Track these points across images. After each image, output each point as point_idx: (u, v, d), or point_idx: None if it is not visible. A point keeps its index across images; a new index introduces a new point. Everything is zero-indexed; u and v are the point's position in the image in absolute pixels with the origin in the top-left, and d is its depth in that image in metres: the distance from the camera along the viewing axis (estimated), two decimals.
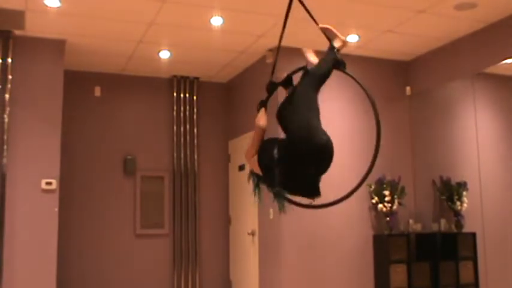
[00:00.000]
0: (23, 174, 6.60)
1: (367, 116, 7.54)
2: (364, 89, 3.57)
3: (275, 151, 3.31)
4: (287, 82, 3.90)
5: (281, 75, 3.90)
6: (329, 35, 3.79)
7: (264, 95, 3.80)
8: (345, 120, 7.37)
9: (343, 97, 7.37)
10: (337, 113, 7.31)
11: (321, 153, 3.24)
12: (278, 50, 3.90)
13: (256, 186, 3.67)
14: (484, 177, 6.81)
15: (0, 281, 6.35)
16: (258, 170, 3.55)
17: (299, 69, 3.85)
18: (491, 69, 6.73)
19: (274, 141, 3.50)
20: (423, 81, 7.64)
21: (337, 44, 3.75)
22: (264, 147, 3.54)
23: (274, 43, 7.01)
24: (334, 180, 6.58)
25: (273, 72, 3.94)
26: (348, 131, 7.38)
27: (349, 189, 3.46)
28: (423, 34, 6.91)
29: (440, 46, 7.31)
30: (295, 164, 3.26)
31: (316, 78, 3.57)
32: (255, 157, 3.53)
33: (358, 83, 3.63)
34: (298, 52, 7.27)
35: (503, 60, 6.44)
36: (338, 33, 3.74)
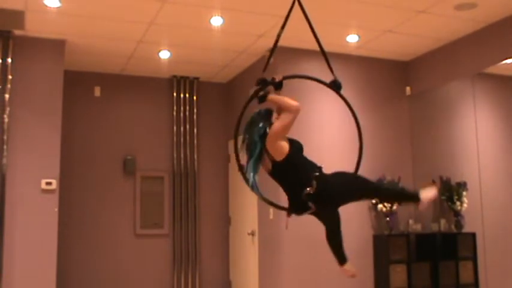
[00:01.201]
0: (23, 175, 6.59)
1: (367, 117, 7.55)
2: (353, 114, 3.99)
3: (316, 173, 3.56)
4: (279, 84, 3.89)
5: (277, 76, 3.88)
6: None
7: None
8: (345, 121, 7.36)
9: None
10: (337, 114, 7.30)
11: None
12: (274, 49, 3.92)
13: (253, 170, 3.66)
14: (484, 177, 6.81)
15: (0, 281, 6.34)
16: (279, 154, 3.56)
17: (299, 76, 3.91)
18: (491, 69, 6.73)
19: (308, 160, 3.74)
20: (423, 81, 7.64)
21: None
22: (301, 152, 3.72)
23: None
24: None
25: (265, 70, 3.95)
26: (347, 133, 7.37)
27: None
28: (423, 34, 6.91)
29: (440, 46, 7.31)
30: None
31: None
32: (286, 145, 3.61)
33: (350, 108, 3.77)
34: (296, 52, 7.28)
35: (503, 60, 6.44)
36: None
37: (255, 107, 3.74)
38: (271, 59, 3.93)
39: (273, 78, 3.84)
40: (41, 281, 6.53)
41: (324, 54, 3.98)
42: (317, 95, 6.79)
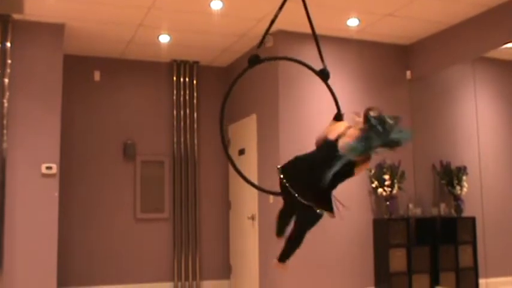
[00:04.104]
0: (23, 159, 6.60)
1: (367, 101, 7.54)
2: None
3: None
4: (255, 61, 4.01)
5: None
6: None
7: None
8: (342, 103, 7.35)
9: (342, 81, 7.36)
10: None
11: None
12: (269, 28, 3.94)
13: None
14: (484, 161, 6.82)
15: (1, 266, 6.37)
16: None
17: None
18: (492, 54, 6.71)
19: None
20: (424, 65, 7.62)
21: None
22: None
23: (274, 27, 6.97)
24: None
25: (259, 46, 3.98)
26: (345, 114, 7.35)
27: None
28: (424, 18, 6.88)
29: (441, 30, 7.28)
30: None
31: None
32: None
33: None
34: (296, 36, 7.25)
35: (504, 44, 6.42)
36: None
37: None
38: (267, 38, 3.97)
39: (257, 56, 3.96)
40: (42, 265, 6.56)
41: (316, 41, 3.95)
42: (317, 80, 6.77)
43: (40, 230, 6.60)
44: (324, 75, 3.90)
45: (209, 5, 6.35)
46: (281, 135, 7.04)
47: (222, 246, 8.58)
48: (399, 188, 7.30)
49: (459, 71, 7.26)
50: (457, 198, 7.22)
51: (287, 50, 6.79)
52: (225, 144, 3.89)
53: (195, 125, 8.53)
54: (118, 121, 8.23)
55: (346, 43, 7.47)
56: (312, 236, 7.12)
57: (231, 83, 3.94)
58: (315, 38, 3.90)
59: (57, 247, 6.66)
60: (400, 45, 7.84)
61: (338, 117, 3.83)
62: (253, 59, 3.97)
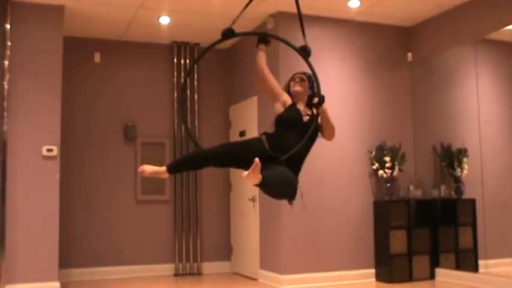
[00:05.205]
0: (24, 142, 6.60)
1: (369, 83, 7.53)
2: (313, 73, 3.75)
3: None
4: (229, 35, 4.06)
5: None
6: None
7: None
8: (344, 85, 7.34)
9: (343, 63, 7.33)
10: (337, 78, 7.27)
11: None
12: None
13: None
14: (485, 143, 6.82)
15: (3, 248, 6.40)
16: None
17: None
18: (494, 35, 6.68)
19: None
20: (425, 47, 7.59)
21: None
22: None
23: (275, 8, 6.95)
24: (335, 143, 6.59)
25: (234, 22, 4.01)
26: (347, 96, 7.35)
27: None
28: None
29: (442, 11, 7.25)
30: None
31: None
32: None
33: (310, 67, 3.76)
34: (296, 18, 7.20)
35: (505, 26, 6.40)
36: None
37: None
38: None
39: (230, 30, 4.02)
40: (44, 247, 6.59)
41: (299, 15, 3.93)
42: (317, 62, 6.76)
43: (41, 212, 6.62)
44: (305, 52, 3.84)
45: None
46: None
47: (223, 228, 8.61)
48: (400, 169, 7.31)
49: (460, 52, 7.24)
50: (457, 180, 7.23)
51: (288, 32, 6.75)
52: (182, 108, 3.86)
53: (196, 107, 8.52)
54: (118, 103, 8.22)
55: (347, 25, 7.43)
56: (313, 218, 7.15)
57: (200, 53, 3.89)
58: (298, 11, 3.85)
59: (58, 229, 6.69)
60: (401, 27, 7.81)
61: (319, 98, 3.69)
62: (227, 33, 3.95)
